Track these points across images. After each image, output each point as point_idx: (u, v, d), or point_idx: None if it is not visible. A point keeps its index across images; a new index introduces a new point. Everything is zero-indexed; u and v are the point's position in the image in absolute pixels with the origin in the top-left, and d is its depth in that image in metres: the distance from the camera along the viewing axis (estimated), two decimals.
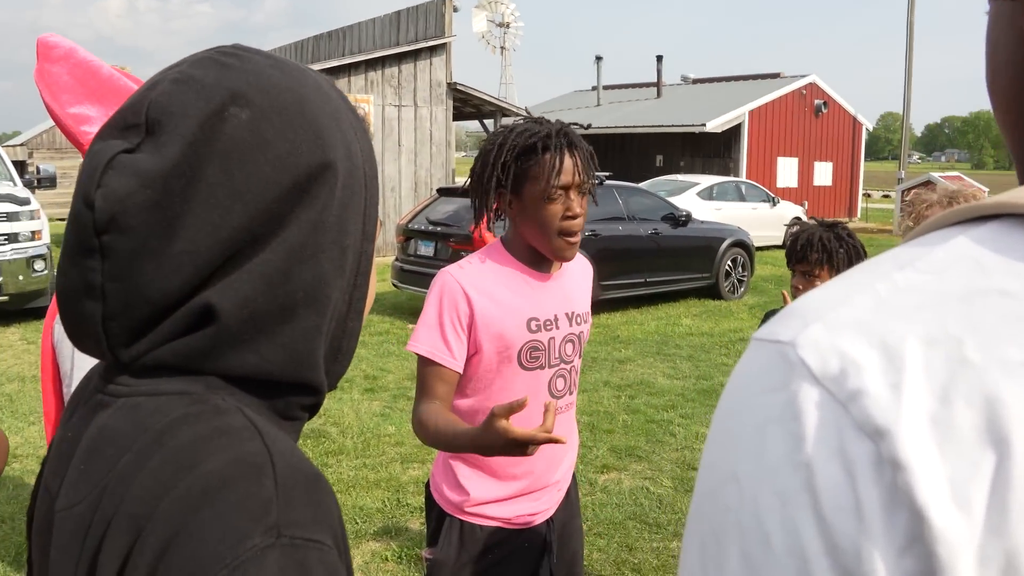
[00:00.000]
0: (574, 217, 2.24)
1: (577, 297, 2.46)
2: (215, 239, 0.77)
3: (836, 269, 2.87)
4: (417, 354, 2.29)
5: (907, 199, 3.14)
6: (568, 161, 2.22)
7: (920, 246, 0.52)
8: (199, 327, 0.78)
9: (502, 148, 2.25)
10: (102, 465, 0.77)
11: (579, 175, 2.24)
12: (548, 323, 2.34)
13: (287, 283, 0.80)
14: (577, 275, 2.51)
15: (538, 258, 2.36)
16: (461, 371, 2.28)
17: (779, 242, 19.94)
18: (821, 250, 2.86)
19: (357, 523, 4.88)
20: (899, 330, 0.46)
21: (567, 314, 2.40)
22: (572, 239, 2.26)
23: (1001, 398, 0.43)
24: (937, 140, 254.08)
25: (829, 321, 0.48)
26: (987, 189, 2.99)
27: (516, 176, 2.24)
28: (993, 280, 0.46)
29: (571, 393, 2.45)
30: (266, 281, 0.79)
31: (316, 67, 17.17)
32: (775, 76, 30.64)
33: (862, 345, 0.46)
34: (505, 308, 2.28)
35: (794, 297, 2.95)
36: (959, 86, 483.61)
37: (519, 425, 2.15)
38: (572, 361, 2.42)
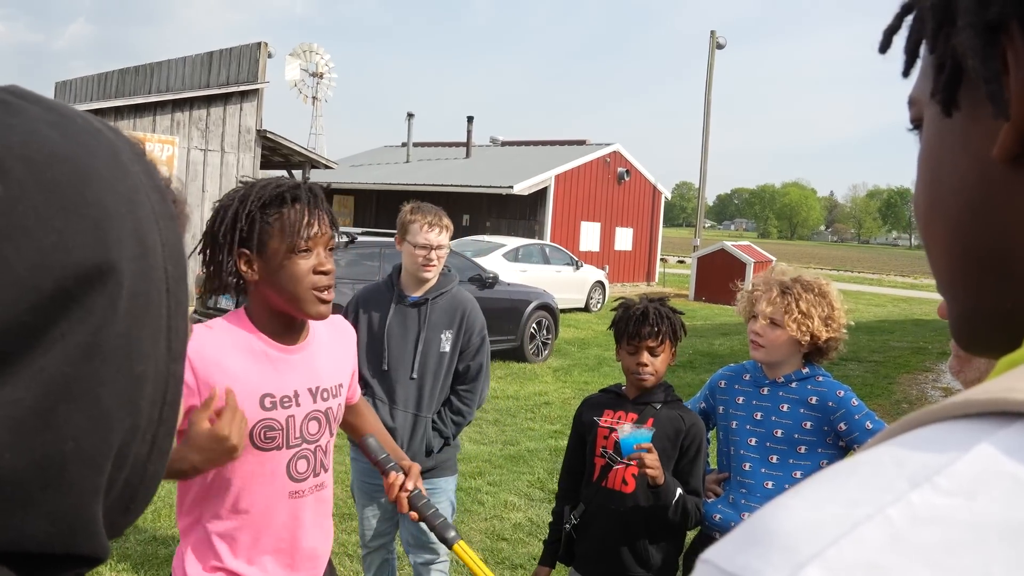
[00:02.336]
0: (326, 272, 2.14)
1: (325, 370, 2.31)
2: None
3: (675, 343, 2.94)
4: None
5: (744, 287, 3.21)
6: (317, 215, 2.13)
7: (931, 451, 0.40)
8: None
9: (245, 200, 2.11)
10: None
11: (329, 229, 2.16)
12: (285, 400, 2.19)
13: (46, 431, 0.57)
14: (327, 344, 2.36)
15: (282, 327, 2.21)
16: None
17: (582, 305, 20.44)
18: (667, 323, 2.91)
19: None
20: None
21: (310, 390, 2.25)
22: (325, 295, 2.15)
23: None
24: (727, 209, 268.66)
25: (831, 562, 0.36)
26: (824, 280, 3.09)
27: (260, 231, 2.10)
28: None
29: (317, 474, 2.29)
30: (15, 429, 0.55)
31: (120, 103, 16.49)
32: (581, 143, 31.63)
33: None
34: (235, 382, 2.10)
35: (638, 379, 2.94)
36: (747, 160, 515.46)
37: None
38: (317, 440, 2.27)
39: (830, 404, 2.91)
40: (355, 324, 3.75)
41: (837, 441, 2.91)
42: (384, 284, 3.78)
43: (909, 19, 0.54)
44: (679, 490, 2.80)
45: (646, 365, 2.90)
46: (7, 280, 0.55)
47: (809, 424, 2.91)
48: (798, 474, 2.91)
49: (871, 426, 2.86)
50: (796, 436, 2.91)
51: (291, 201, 2.11)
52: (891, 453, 0.41)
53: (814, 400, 2.93)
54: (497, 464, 7.44)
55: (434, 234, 3.58)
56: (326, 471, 2.32)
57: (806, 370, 3.00)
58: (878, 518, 0.37)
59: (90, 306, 0.59)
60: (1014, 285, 0.49)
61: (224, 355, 2.12)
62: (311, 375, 2.25)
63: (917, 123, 0.56)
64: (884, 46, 0.56)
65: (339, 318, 2.49)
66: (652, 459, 2.70)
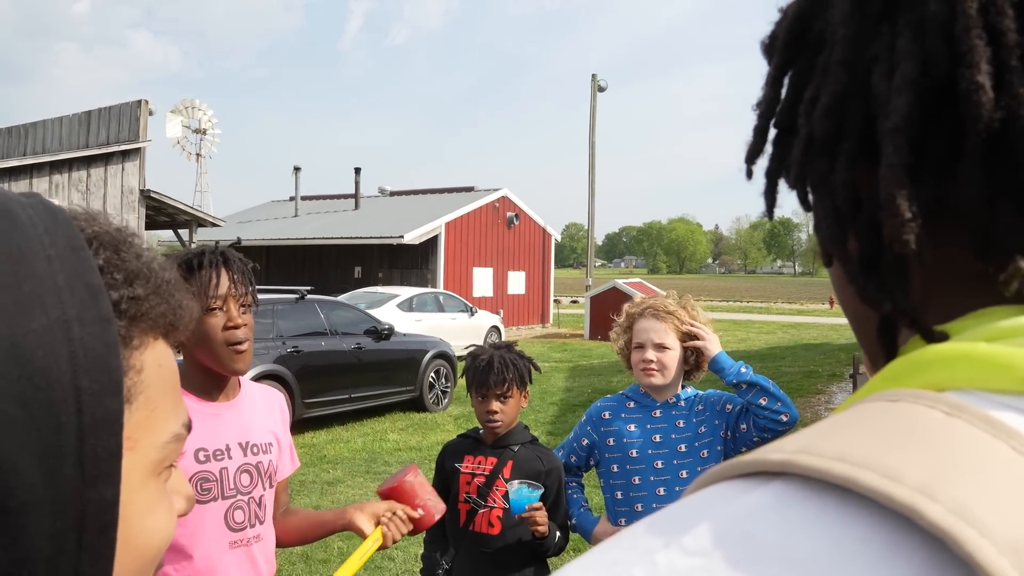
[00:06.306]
0: (236, 327, 2.28)
1: (255, 427, 2.42)
2: None
3: (523, 388, 3.08)
4: None
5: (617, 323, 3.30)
6: (224, 275, 2.29)
7: (691, 511, 0.42)
8: None
9: None
10: None
11: (236, 287, 2.31)
12: (219, 453, 2.30)
13: None
14: (259, 404, 2.49)
15: (211, 385, 2.34)
16: None
17: None
18: (513, 370, 3.03)
19: None
20: None
21: (240, 444, 2.36)
22: (240, 347, 2.29)
23: None
24: (616, 247, 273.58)
25: None
26: (663, 292, 3.27)
27: None
28: (769, 570, 0.37)
29: (254, 525, 2.36)
30: None
31: None
32: (469, 189, 31.86)
33: None
34: None
35: (490, 427, 3.06)
36: (633, 198, 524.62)
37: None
38: (251, 492, 2.36)
39: (712, 399, 3.05)
40: None
41: (727, 431, 3.00)
42: None
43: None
44: (557, 532, 2.95)
45: (495, 412, 3.03)
46: None
47: (704, 427, 3.00)
48: None
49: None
50: (697, 444, 2.98)
51: (197, 267, 2.26)
52: (662, 514, 0.43)
53: (700, 407, 3.04)
54: None
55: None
56: (262, 523, 2.38)
57: (689, 390, 3.12)
58: None
59: None
60: (866, 341, 0.59)
61: None
62: (241, 430, 2.36)
63: None
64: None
65: (273, 389, 2.60)
66: (542, 516, 2.85)
